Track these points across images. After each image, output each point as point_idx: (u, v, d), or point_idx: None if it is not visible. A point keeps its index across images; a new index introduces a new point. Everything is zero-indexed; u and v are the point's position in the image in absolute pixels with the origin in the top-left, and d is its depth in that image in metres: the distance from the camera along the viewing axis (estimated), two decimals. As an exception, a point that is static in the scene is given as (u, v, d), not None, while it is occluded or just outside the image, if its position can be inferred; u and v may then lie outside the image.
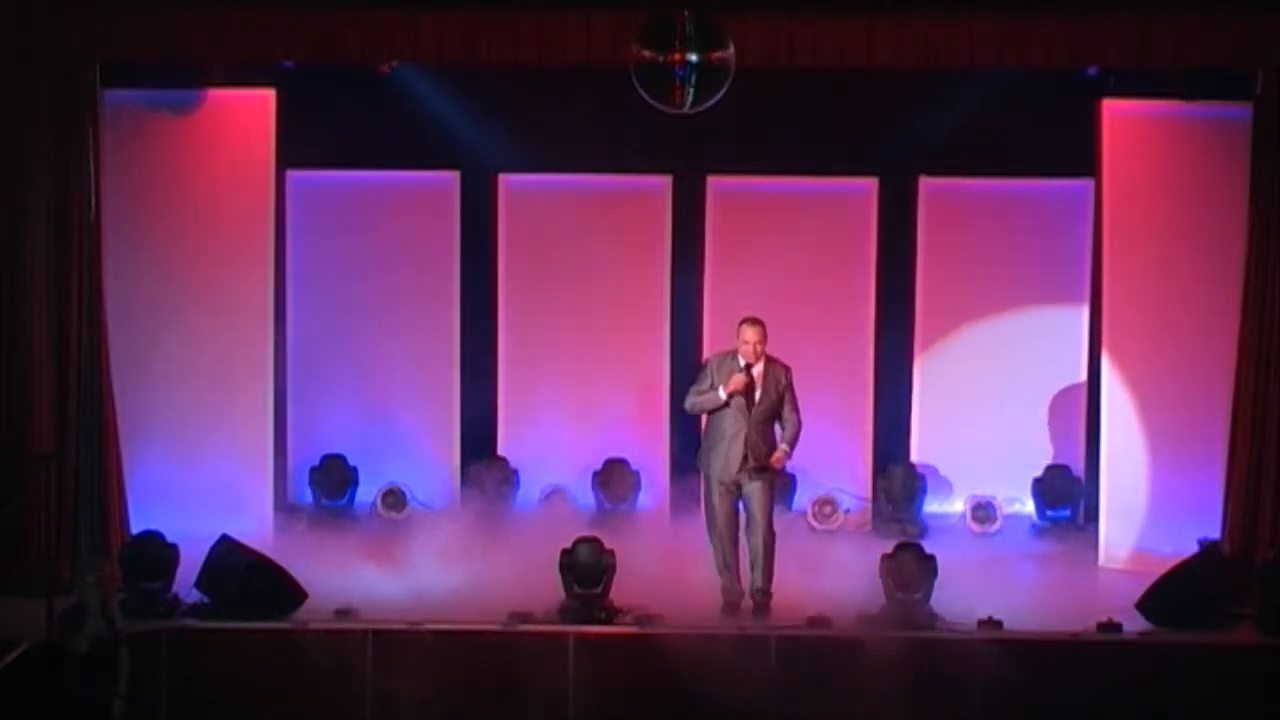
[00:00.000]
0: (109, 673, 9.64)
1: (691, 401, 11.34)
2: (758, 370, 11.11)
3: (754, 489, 11.13)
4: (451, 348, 13.99)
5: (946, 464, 13.95)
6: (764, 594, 11.10)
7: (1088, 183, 13.04)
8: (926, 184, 13.86)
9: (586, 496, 13.84)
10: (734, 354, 11.14)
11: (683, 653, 10.57)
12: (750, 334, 11.09)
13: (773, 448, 11.13)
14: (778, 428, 11.23)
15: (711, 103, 10.79)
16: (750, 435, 11.08)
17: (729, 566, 11.18)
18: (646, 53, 10.67)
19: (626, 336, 13.94)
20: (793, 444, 11.18)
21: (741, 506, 11.20)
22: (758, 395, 11.11)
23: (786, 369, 11.22)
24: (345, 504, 13.71)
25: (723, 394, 11.08)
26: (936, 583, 10.91)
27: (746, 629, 10.75)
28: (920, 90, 13.25)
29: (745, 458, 11.08)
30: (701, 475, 11.41)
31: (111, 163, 12.04)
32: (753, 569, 11.15)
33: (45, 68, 11.67)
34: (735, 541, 11.19)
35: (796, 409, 11.21)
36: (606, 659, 10.58)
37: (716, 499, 11.19)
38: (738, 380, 11.04)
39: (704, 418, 11.31)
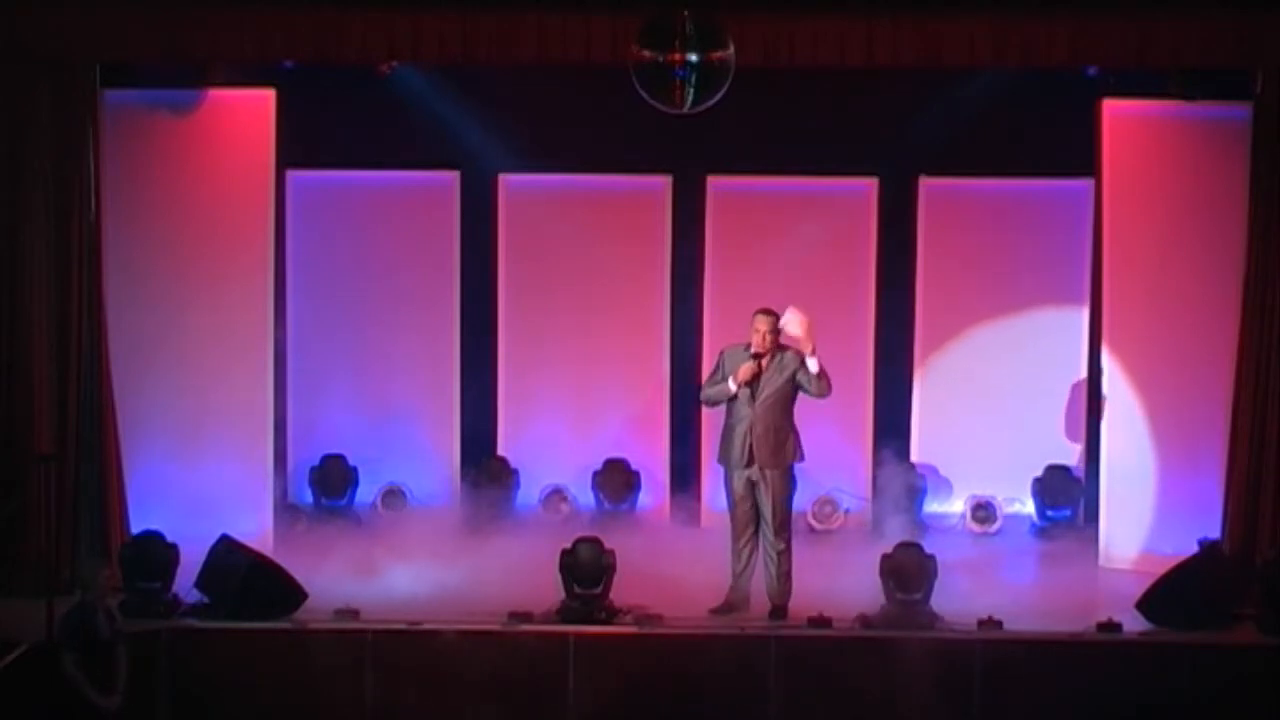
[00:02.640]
0: (108, 671, 9.63)
1: (705, 394, 11.40)
2: (768, 360, 11.11)
3: (763, 490, 11.13)
4: (451, 348, 13.99)
5: (946, 464, 13.95)
6: (775, 608, 11.08)
7: (1088, 183, 13.03)
8: (926, 184, 13.86)
9: (586, 496, 13.84)
10: (747, 345, 11.13)
11: (683, 653, 10.57)
12: (761, 323, 11.08)
13: (782, 438, 11.09)
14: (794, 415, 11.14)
15: (711, 103, 10.79)
16: (755, 425, 11.08)
17: (732, 566, 11.19)
18: (646, 53, 10.68)
19: (626, 336, 13.93)
20: (819, 374, 11.02)
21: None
22: (761, 383, 11.09)
23: (799, 354, 11.12)
24: (345, 504, 13.70)
25: (733, 385, 11.08)
26: (936, 583, 10.91)
27: (746, 629, 10.75)
28: (920, 90, 13.24)
29: (751, 448, 11.08)
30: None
31: (111, 163, 12.03)
32: (766, 571, 11.17)
33: (45, 67, 11.67)
34: (741, 539, 11.18)
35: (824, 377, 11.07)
36: (606, 659, 10.58)
37: (730, 488, 11.22)
38: (746, 369, 11.05)
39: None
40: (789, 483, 11.24)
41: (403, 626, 10.68)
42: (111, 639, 9.70)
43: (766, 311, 11.14)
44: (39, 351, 11.77)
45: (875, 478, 13.63)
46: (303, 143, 13.15)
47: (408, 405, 13.93)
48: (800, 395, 11.18)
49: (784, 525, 11.16)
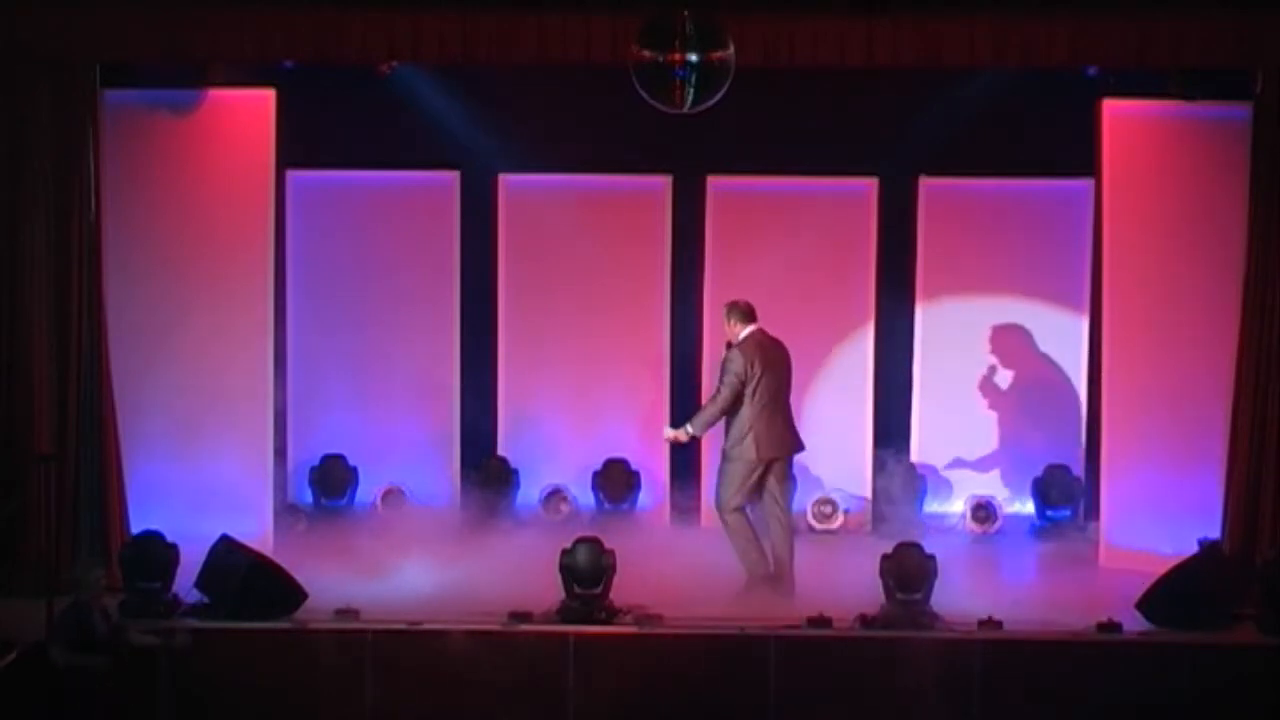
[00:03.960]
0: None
1: None
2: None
3: None
4: (451, 348, 13.99)
5: (946, 464, 13.96)
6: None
7: (1088, 183, 13.03)
8: (926, 184, 13.86)
9: (586, 496, 13.85)
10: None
11: (683, 653, 10.57)
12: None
13: (727, 424, 11.52)
14: (742, 410, 11.49)
15: (711, 103, 10.79)
16: None
17: None
18: (646, 53, 10.68)
19: (626, 336, 13.93)
20: (695, 425, 11.65)
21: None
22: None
23: (733, 348, 11.59)
24: (345, 504, 13.72)
25: None
26: (936, 583, 10.91)
27: (746, 629, 10.74)
28: (920, 90, 13.25)
29: None
30: None
31: (111, 163, 12.03)
32: None
33: (45, 67, 11.67)
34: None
35: (716, 391, 11.55)
36: (606, 659, 10.58)
37: None
38: None
39: None
40: (722, 467, 11.58)
41: (403, 626, 10.68)
42: (110, 637, 9.71)
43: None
44: (39, 351, 11.77)
45: (875, 478, 13.64)
46: (303, 143, 13.15)
47: (408, 405, 13.93)
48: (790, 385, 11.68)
49: (717, 501, 11.62)
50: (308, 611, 10.92)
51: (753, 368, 11.40)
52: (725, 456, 11.51)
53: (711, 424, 11.55)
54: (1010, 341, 13.93)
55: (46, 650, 9.69)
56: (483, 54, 11.77)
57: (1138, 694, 10.50)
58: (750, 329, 11.56)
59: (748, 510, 11.50)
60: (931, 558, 10.96)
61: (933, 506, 13.78)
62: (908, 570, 10.91)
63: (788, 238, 13.75)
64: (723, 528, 11.53)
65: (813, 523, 13.49)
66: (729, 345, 11.57)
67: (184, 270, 12.42)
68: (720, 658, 10.57)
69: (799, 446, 11.69)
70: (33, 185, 11.74)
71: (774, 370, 11.50)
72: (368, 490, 13.79)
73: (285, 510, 13.18)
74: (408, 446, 13.90)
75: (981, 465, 13.86)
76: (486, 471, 13.72)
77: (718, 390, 11.45)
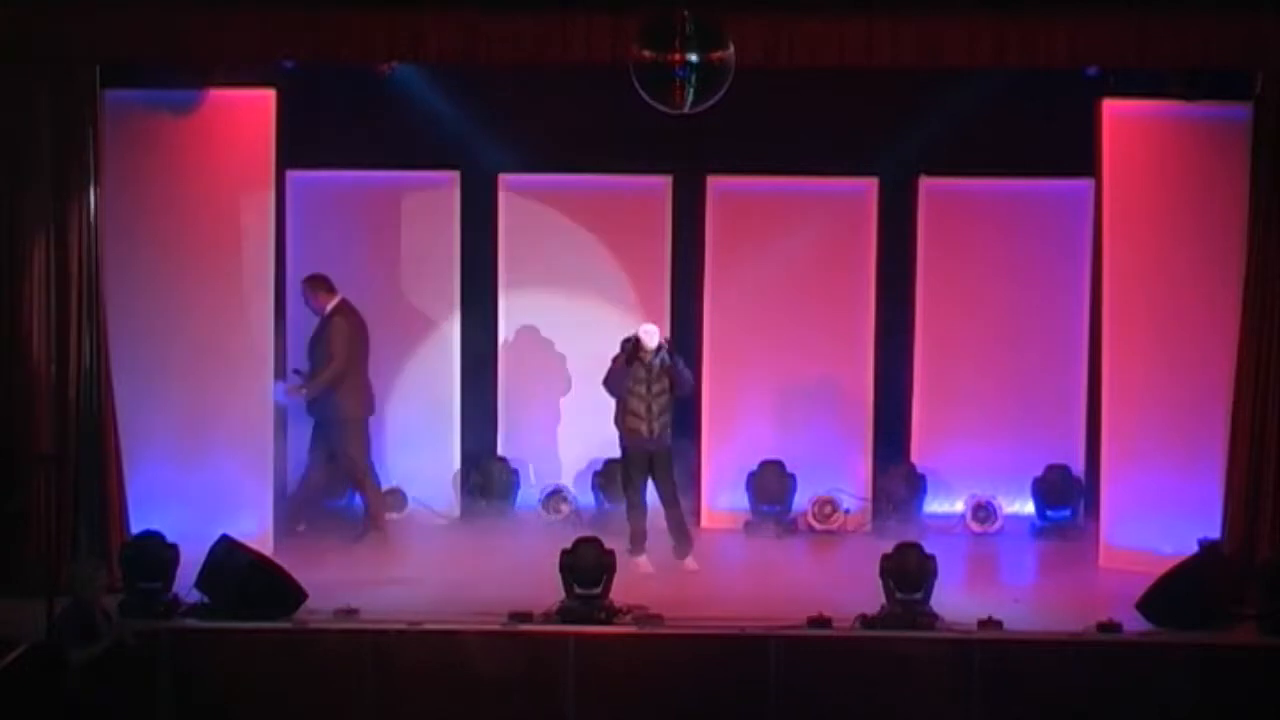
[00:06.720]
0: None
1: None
2: None
3: None
4: (451, 348, 14.00)
5: (946, 464, 13.95)
6: None
7: (1088, 183, 13.04)
8: (926, 184, 13.86)
9: (586, 496, 13.85)
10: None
11: (683, 653, 10.57)
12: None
13: None
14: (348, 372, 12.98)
15: (711, 103, 10.79)
16: None
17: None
18: (646, 53, 10.67)
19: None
20: (311, 388, 13.02)
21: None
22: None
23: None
24: (345, 504, 13.71)
25: None
26: (936, 583, 10.91)
27: (746, 629, 10.74)
28: (920, 90, 13.24)
29: None
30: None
31: (111, 163, 12.02)
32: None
33: (45, 67, 11.67)
34: None
35: (329, 357, 13.00)
36: (606, 659, 10.57)
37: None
38: None
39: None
40: (347, 431, 13.05)
41: (403, 626, 10.67)
42: (116, 637, 9.72)
43: None
44: (39, 351, 11.77)
45: (875, 478, 13.64)
46: (303, 143, 13.14)
47: (407, 405, 13.93)
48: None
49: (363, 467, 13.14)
50: (308, 611, 10.91)
51: (354, 333, 12.90)
52: (345, 419, 12.87)
53: (331, 385, 12.84)
54: (1010, 341, 13.93)
55: (61, 654, 9.67)
56: (483, 54, 11.76)
57: (1138, 694, 10.50)
58: (337, 299, 12.99)
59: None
60: (931, 558, 10.95)
61: (933, 506, 13.78)
62: (908, 570, 10.90)
63: (788, 238, 13.75)
64: (363, 484, 12.99)
65: (813, 523, 13.48)
66: (329, 315, 12.87)
67: (184, 270, 12.42)
68: (720, 658, 10.57)
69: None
70: (33, 186, 11.73)
71: (364, 335, 13.05)
72: (368, 490, 13.78)
73: (285, 510, 13.16)
74: (408, 446, 13.90)
75: (981, 465, 13.84)
76: (486, 472, 13.71)
77: (331, 356, 12.79)
